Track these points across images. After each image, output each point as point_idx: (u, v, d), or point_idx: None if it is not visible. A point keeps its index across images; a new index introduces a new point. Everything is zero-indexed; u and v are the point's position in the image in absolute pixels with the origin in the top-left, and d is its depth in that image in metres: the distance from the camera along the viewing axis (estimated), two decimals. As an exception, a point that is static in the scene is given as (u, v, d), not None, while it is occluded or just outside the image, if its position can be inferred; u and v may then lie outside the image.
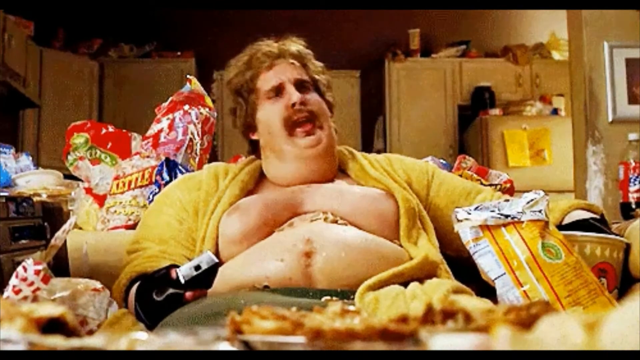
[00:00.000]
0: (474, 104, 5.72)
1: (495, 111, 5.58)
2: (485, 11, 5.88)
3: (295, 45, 1.57)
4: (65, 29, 5.63)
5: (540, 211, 1.32)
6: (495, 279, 1.30)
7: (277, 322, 0.55)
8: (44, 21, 5.33)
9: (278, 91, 1.51)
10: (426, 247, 1.38)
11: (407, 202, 1.45)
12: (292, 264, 1.29)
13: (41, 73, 5.31)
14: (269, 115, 1.50)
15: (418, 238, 1.42)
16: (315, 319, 0.57)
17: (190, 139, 1.96)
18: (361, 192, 1.48)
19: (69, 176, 2.23)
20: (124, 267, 1.44)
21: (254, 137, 1.57)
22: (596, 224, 1.46)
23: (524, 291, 1.26)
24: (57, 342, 0.51)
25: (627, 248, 1.45)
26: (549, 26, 5.85)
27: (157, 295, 1.21)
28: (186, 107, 2.00)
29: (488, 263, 1.30)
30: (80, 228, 1.86)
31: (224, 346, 0.54)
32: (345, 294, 1.24)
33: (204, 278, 1.21)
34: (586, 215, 1.50)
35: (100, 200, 1.89)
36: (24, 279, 1.02)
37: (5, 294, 1.01)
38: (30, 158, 2.45)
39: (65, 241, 1.42)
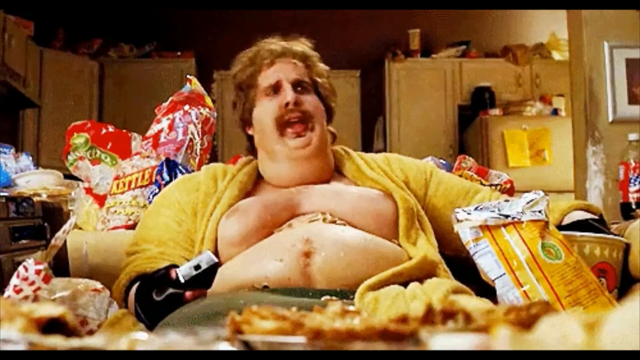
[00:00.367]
0: (474, 104, 5.72)
1: (495, 111, 5.58)
2: (485, 11, 5.88)
3: (301, 45, 1.58)
4: (65, 29, 5.63)
5: (540, 211, 1.32)
6: (495, 279, 1.30)
7: (277, 322, 0.55)
8: (44, 21, 5.33)
9: (275, 89, 1.51)
10: (425, 247, 1.39)
11: (406, 202, 1.45)
12: (291, 264, 1.29)
13: (41, 73, 5.31)
14: (264, 112, 1.51)
15: (417, 238, 1.42)
16: (315, 319, 0.57)
17: (190, 139, 1.96)
18: (359, 192, 1.48)
19: (69, 176, 2.23)
20: (123, 268, 1.44)
21: (250, 132, 1.58)
22: (595, 225, 1.46)
23: (524, 291, 1.26)
24: (57, 342, 0.51)
25: (627, 248, 1.45)
26: (549, 26, 5.85)
27: (157, 295, 1.21)
28: (186, 107, 2.00)
29: (488, 263, 1.30)
30: (80, 228, 1.86)
31: (224, 346, 0.54)
32: (345, 293, 1.24)
33: (204, 278, 1.21)
34: (585, 215, 1.50)
35: (100, 200, 1.89)
36: (25, 279, 1.02)
37: (6, 294, 1.01)
38: (30, 158, 2.45)
39: (65, 241, 1.42)
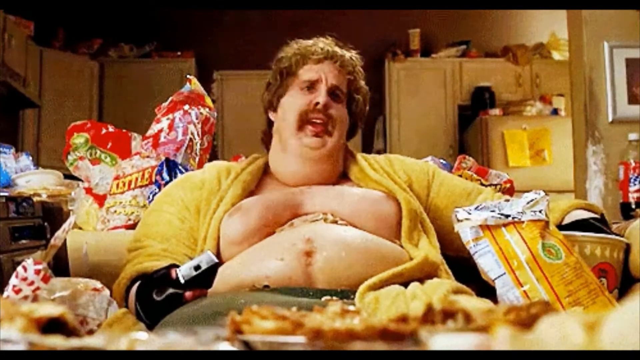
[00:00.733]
0: (474, 104, 5.72)
1: (495, 111, 5.58)
2: (485, 11, 5.88)
3: (352, 56, 1.59)
4: (65, 29, 5.63)
5: (540, 211, 1.32)
6: (495, 279, 1.30)
7: (277, 322, 0.55)
8: (44, 21, 5.33)
9: (311, 86, 1.52)
10: (427, 249, 1.39)
11: (409, 204, 1.45)
12: (292, 263, 1.29)
13: (41, 73, 5.31)
14: (292, 103, 1.52)
15: (419, 240, 1.42)
16: (316, 319, 0.57)
17: (190, 139, 1.96)
18: (361, 194, 1.48)
19: (69, 176, 2.23)
20: (124, 266, 1.44)
21: (272, 117, 1.58)
22: (596, 224, 1.46)
23: (524, 291, 1.26)
24: (57, 342, 0.51)
25: (627, 248, 1.45)
26: (549, 26, 5.85)
27: (157, 295, 1.21)
28: (186, 107, 2.00)
29: (488, 263, 1.30)
30: (80, 228, 1.86)
31: (224, 346, 0.54)
32: (346, 293, 1.24)
33: (204, 278, 1.21)
34: (586, 215, 1.50)
35: (100, 200, 1.89)
36: (24, 279, 1.02)
37: (5, 294, 1.01)
38: (30, 158, 2.45)
39: (65, 241, 1.42)
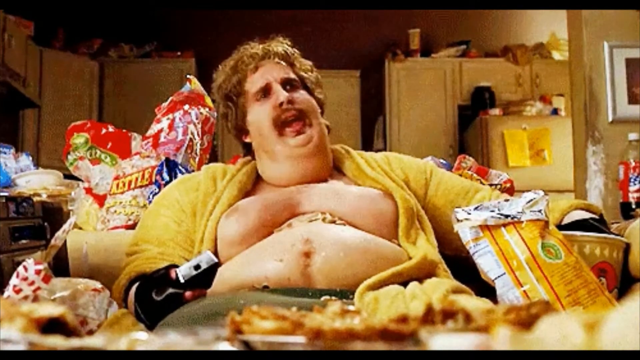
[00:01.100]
0: (474, 104, 5.72)
1: (495, 111, 5.58)
2: (485, 11, 5.88)
3: (281, 45, 1.58)
4: (65, 29, 5.63)
5: (540, 211, 1.32)
6: (495, 279, 1.29)
7: (277, 322, 0.55)
8: (44, 21, 5.33)
9: (265, 92, 1.51)
10: (425, 247, 1.38)
11: (406, 202, 1.45)
12: (291, 264, 1.29)
13: (41, 73, 5.31)
14: (258, 116, 1.51)
15: (417, 238, 1.41)
16: (315, 319, 0.57)
17: (190, 139, 1.96)
18: (359, 192, 1.47)
19: (69, 176, 2.23)
20: (123, 269, 1.44)
21: (247, 140, 1.57)
22: (596, 224, 1.46)
23: (524, 291, 1.26)
24: (57, 342, 0.51)
25: (627, 248, 1.45)
26: (549, 26, 5.86)
27: (156, 295, 1.21)
28: (186, 107, 2.00)
29: (488, 263, 1.30)
30: (80, 228, 1.86)
31: (224, 346, 0.54)
32: (345, 293, 1.24)
33: (204, 278, 1.21)
34: (585, 215, 1.50)
35: (100, 200, 1.89)
36: (25, 279, 1.02)
37: (6, 294, 1.01)
38: (30, 158, 2.45)
39: (65, 241, 1.42)
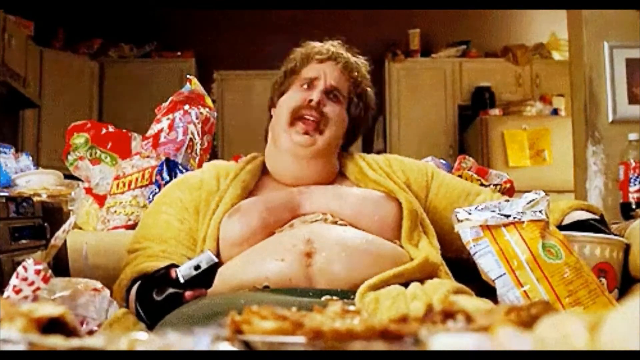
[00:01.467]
0: (474, 104, 5.72)
1: (495, 111, 5.58)
2: (485, 11, 5.88)
3: (358, 61, 1.60)
4: (65, 29, 5.63)
5: (540, 211, 1.32)
6: (496, 279, 1.29)
7: (277, 322, 0.55)
8: (44, 21, 5.33)
9: (310, 84, 1.53)
10: (427, 249, 1.39)
11: (410, 204, 1.45)
12: (292, 264, 1.29)
13: (41, 73, 5.31)
14: (288, 98, 1.53)
15: (419, 240, 1.42)
16: (316, 319, 0.57)
17: (190, 139, 1.96)
18: (361, 194, 1.47)
19: (69, 176, 2.22)
20: (124, 267, 1.44)
21: (272, 113, 1.59)
22: (596, 225, 1.46)
23: (524, 291, 1.26)
24: (57, 342, 0.51)
25: (627, 248, 1.45)
26: (549, 26, 5.85)
27: (157, 295, 1.21)
28: (186, 107, 2.00)
29: (488, 263, 1.30)
30: (80, 228, 1.86)
31: (224, 346, 0.54)
32: (346, 294, 1.24)
33: (204, 278, 1.21)
34: (586, 215, 1.50)
35: (100, 200, 1.89)
36: (25, 279, 1.02)
37: (6, 294, 1.01)
38: (30, 158, 2.45)
39: (65, 241, 1.42)
